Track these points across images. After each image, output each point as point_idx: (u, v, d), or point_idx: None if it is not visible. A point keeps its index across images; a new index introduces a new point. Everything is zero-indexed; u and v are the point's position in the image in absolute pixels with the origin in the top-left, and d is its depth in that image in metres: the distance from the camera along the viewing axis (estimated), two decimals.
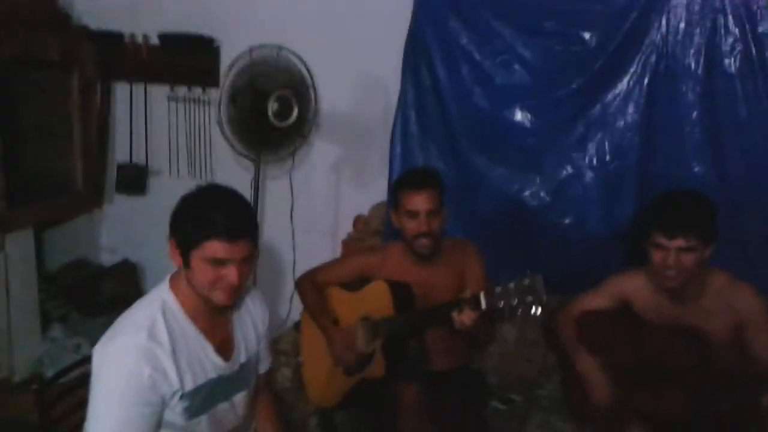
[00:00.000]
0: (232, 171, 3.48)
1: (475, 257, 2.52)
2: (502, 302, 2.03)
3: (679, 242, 2.14)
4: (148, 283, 3.82)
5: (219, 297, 1.67)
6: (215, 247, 1.61)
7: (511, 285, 2.02)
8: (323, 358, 2.53)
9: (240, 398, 1.83)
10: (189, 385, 1.65)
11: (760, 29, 2.69)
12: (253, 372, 1.90)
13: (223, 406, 1.78)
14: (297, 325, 2.81)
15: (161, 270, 3.52)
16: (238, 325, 1.84)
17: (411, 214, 2.37)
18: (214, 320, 1.75)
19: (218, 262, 1.62)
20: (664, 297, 2.29)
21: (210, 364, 1.72)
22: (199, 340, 1.70)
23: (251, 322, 1.89)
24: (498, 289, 2.04)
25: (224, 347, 1.77)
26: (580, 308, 2.42)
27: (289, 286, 3.22)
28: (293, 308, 3.34)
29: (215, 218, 1.61)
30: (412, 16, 3.12)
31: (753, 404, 2.11)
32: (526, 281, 2.01)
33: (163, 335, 1.63)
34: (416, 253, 2.44)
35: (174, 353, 1.63)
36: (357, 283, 2.56)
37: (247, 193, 3.22)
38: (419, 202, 2.36)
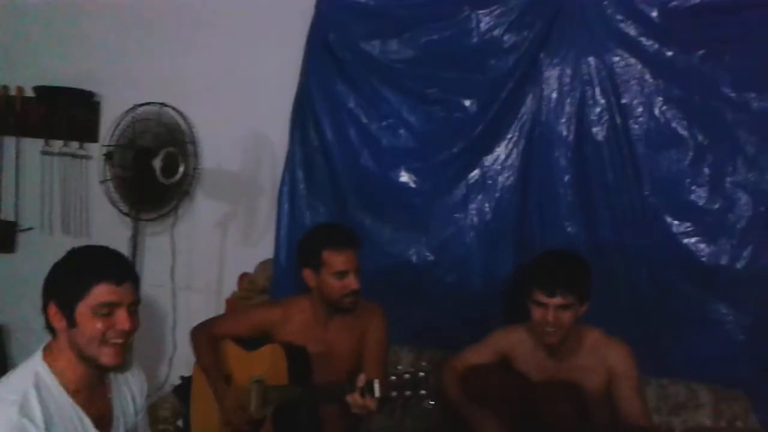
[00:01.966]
0: (110, 227, 3.35)
1: (381, 320, 2.53)
2: (396, 392, 2.05)
3: (558, 300, 2.25)
4: (16, 347, 3.59)
5: (108, 354, 1.61)
6: (103, 291, 1.58)
7: (407, 376, 2.04)
8: (212, 417, 2.44)
9: None
10: None
11: (624, 100, 2.91)
12: None
13: None
14: (177, 390, 2.70)
15: (30, 332, 3.33)
16: (117, 397, 1.77)
17: (341, 273, 2.38)
18: (93, 393, 1.68)
19: (107, 309, 1.58)
20: (542, 352, 2.39)
21: None
22: (76, 414, 1.62)
23: (130, 395, 1.82)
24: (393, 378, 2.06)
25: (102, 421, 1.69)
26: (464, 363, 2.48)
27: (169, 347, 3.13)
28: (172, 371, 3.22)
29: (98, 264, 1.60)
30: (300, 78, 3.18)
31: None
32: (422, 373, 2.04)
33: (36, 411, 1.54)
34: (329, 308, 2.43)
35: (48, 428, 1.54)
36: (253, 341, 2.50)
37: (125, 250, 3.16)
38: (348, 261, 2.38)
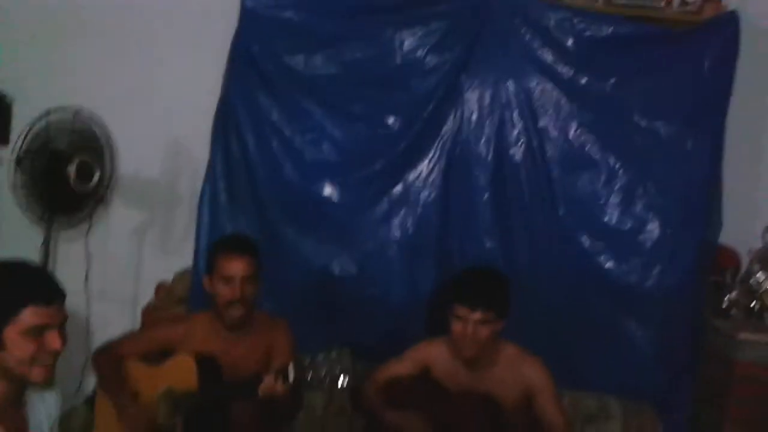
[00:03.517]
0: (19, 234, 3.18)
1: (286, 336, 2.51)
2: (310, 374, 2.06)
3: (478, 315, 2.32)
4: None
5: (39, 374, 1.56)
6: (33, 314, 1.51)
7: (320, 357, 2.06)
8: None
9: None
10: None
11: (540, 124, 3.03)
12: None
13: None
14: (88, 401, 2.61)
15: None
16: (32, 415, 1.70)
17: (226, 279, 2.34)
18: (8, 409, 1.61)
19: (38, 331, 1.52)
20: (460, 365, 2.44)
21: None
22: None
23: (45, 412, 1.75)
24: (306, 361, 2.06)
25: None
26: (385, 375, 2.51)
27: (81, 357, 3.00)
28: (85, 382, 3.10)
29: (25, 285, 1.53)
30: (222, 89, 3.15)
31: None
32: (334, 354, 2.06)
33: None
34: (226, 325, 2.39)
35: None
36: (158, 357, 2.44)
37: (36, 258, 3.04)
38: (236, 267, 2.34)
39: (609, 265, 2.97)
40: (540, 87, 3.03)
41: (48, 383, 1.65)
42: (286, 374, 2.08)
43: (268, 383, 2.10)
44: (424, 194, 3.07)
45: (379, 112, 3.09)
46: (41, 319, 1.53)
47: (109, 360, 2.45)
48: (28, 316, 1.52)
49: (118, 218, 3.30)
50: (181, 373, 2.32)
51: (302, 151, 3.10)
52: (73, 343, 3.14)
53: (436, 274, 3.02)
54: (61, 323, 1.58)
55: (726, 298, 2.97)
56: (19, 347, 1.52)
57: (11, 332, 1.52)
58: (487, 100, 3.06)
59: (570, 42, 3.00)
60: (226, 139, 3.14)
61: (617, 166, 3.00)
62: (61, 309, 1.59)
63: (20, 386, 1.62)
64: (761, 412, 2.71)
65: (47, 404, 1.76)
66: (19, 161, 2.92)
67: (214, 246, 2.50)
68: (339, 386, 2.05)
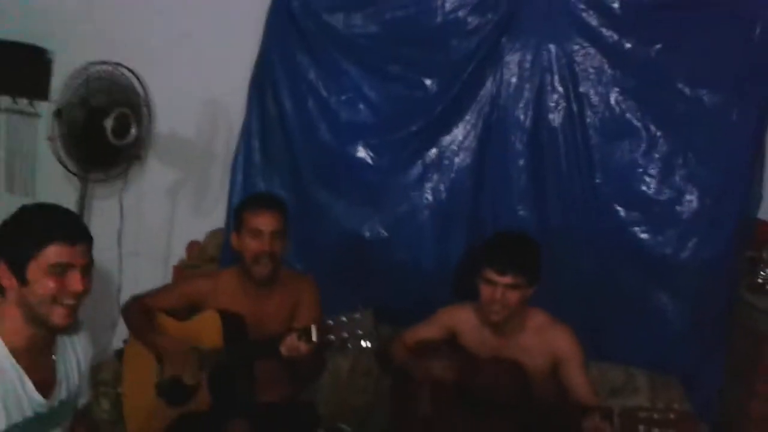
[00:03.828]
0: (57, 188, 3.26)
1: (312, 292, 2.52)
2: (333, 336, 2.06)
3: (508, 279, 2.29)
4: None
5: (59, 315, 1.58)
6: (56, 252, 1.54)
7: (343, 318, 2.06)
8: (146, 390, 2.40)
9: None
10: (1, 424, 1.53)
11: (581, 89, 2.95)
12: (71, 409, 1.79)
13: None
14: (118, 354, 2.66)
15: None
16: (62, 361, 1.73)
17: (255, 233, 2.35)
18: (37, 356, 1.64)
19: (61, 269, 1.55)
20: (487, 331, 2.43)
21: (27, 401, 1.60)
22: (17, 376, 1.58)
23: (75, 359, 1.78)
24: (329, 323, 2.07)
25: (45, 384, 1.65)
26: (413, 338, 2.51)
27: (113, 312, 3.07)
28: (116, 336, 3.16)
29: (52, 223, 1.56)
30: (260, 47, 3.14)
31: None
32: (357, 315, 2.06)
33: None
34: (253, 281, 2.41)
35: None
36: (187, 313, 2.47)
37: None
38: (264, 221, 2.35)
39: (644, 235, 2.91)
40: (582, 51, 2.96)
41: (69, 327, 1.66)
42: (309, 334, 2.09)
43: (291, 342, 2.11)
44: (458, 159, 3.03)
45: (417, 74, 3.05)
46: (64, 257, 1.56)
47: (140, 309, 2.48)
48: (52, 252, 1.55)
49: (153, 176, 3.34)
50: (207, 329, 2.35)
51: (338, 111, 3.08)
52: (104, 298, 3.26)
53: (467, 240, 2.99)
54: (84, 266, 1.60)
55: (762, 274, 2.89)
56: (41, 284, 1.55)
57: (34, 268, 1.54)
58: (527, 63, 2.99)
59: (615, 5, 2.92)
60: (262, 98, 3.13)
61: (658, 134, 2.92)
62: (86, 253, 1.61)
63: (48, 333, 1.65)
64: None
65: (77, 352, 1.79)
66: (57, 114, 2.96)
67: (241, 203, 2.51)
68: (362, 347, 2.05)
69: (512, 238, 2.46)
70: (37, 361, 1.64)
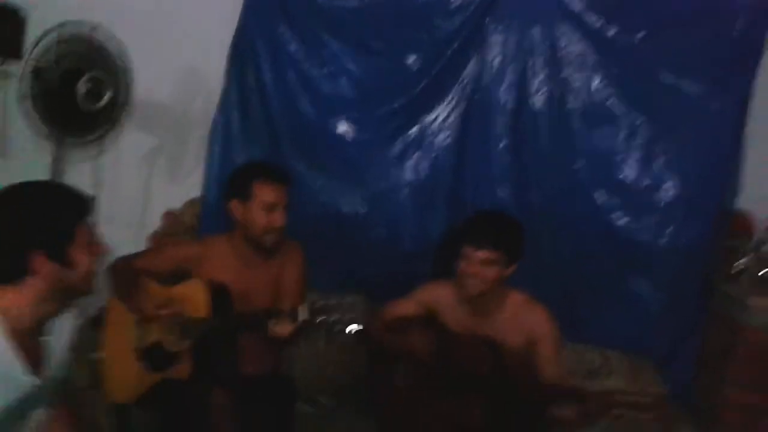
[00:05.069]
0: (30, 152, 3.14)
1: (298, 258, 2.53)
2: (321, 317, 2.05)
3: (484, 253, 2.29)
4: None
5: (93, 284, 1.63)
6: (85, 231, 1.59)
7: (333, 301, 2.06)
8: (126, 352, 2.37)
9: (42, 412, 1.69)
10: None
11: (564, 74, 2.96)
12: (58, 383, 1.75)
13: (29, 422, 1.64)
14: (93, 321, 2.60)
15: None
16: (54, 340, 1.69)
17: (269, 206, 2.34)
18: (31, 337, 1.60)
19: (91, 244, 1.60)
20: (466, 308, 2.43)
21: (20, 382, 1.55)
22: (11, 359, 1.52)
23: (64, 336, 1.74)
24: (320, 304, 2.06)
25: (35, 363, 1.60)
26: (391, 314, 2.50)
27: None
28: (89, 302, 3.09)
29: (76, 205, 1.61)
30: (240, 16, 3.07)
31: (542, 413, 2.29)
32: (348, 299, 2.05)
33: None
34: (250, 246, 2.40)
35: None
36: (172, 277, 2.43)
37: (45, 176, 3.01)
38: (279, 195, 2.36)
39: (622, 221, 2.95)
40: (566, 36, 2.97)
41: None
42: (296, 315, 2.07)
43: (277, 329, 2.10)
44: (440, 138, 3.02)
45: (400, 50, 3.02)
46: (92, 233, 1.60)
47: (126, 270, 2.43)
48: (84, 232, 1.56)
49: (129, 143, 3.24)
50: (193, 298, 2.32)
51: (319, 84, 3.05)
52: None
53: (447, 220, 3.00)
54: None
55: (737, 264, 2.94)
56: (83, 262, 1.56)
57: (75, 251, 1.54)
58: (511, 45, 2.99)
59: None
60: (242, 69, 3.08)
61: (638, 122, 2.95)
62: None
63: (59, 310, 1.63)
64: (762, 377, 2.72)
65: (65, 327, 1.75)
66: (35, 73, 2.87)
67: (248, 172, 2.45)
68: (348, 331, 2.05)
69: (492, 215, 2.49)
70: (30, 342, 1.59)
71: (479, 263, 2.30)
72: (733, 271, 2.93)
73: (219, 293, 2.33)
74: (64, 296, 1.59)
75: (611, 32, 2.95)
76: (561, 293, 2.92)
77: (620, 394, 2.06)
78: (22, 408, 1.58)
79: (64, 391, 1.86)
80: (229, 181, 2.49)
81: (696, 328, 2.94)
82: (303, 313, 2.08)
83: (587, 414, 2.11)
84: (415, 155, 3.03)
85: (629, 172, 2.95)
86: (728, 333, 2.78)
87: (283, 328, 2.12)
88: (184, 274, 2.43)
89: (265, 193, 2.35)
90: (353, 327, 2.07)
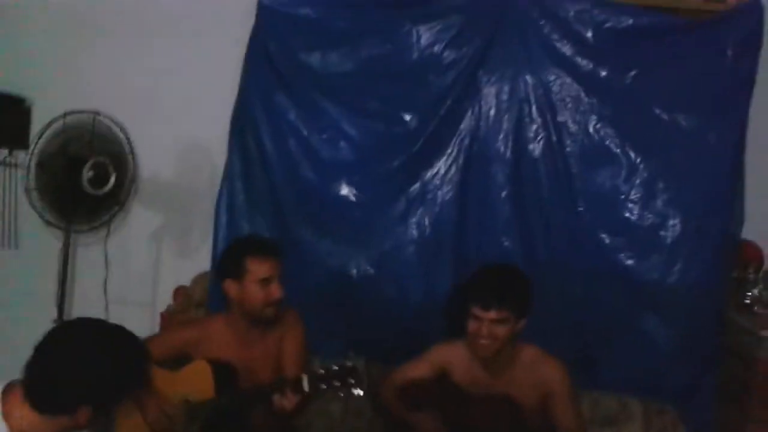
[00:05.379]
0: (40, 239, 3.24)
1: (297, 326, 2.54)
2: (325, 385, 2.06)
3: (493, 314, 2.28)
4: None
5: None
6: None
7: (335, 367, 2.06)
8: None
9: None
10: None
11: (559, 118, 2.98)
12: None
13: None
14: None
15: None
16: None
17: (265, 281, 2.35)
18: None
19: None
20: (479, 367, 2.42)
21: None
22: None
23: None
24: (321, 372, 2.07)
25: None
26: (403, 377, 2.49)
27: None
28: None
29: None
30: (239, 88, 3.14)
31: None
32: (349, 363, 2.05)
33: None
34: (248, 323, 2.41)
35: None
36: (175, 362, 2.44)
37: (55, 263, 3.06)
38: (273, 268, 2.37)
39: (630, 261, 2.92)
40: (559, 81, 2.98)
41: None
42: (301, 384, 2.08)
43: (281, 402, 2.11)
44: (441, 192, 3.03)
45: (396, 109, 3.05)
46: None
47: None
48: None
49: (137, 222, 3.32)
50: (197, 379, 2.33)
51: (319, 150, 3.08)
52: None
53: (453, 274, 2.98)
54: None
55: (748, 294, 2.91)
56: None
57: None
58: (505, 95, 3.01)
59: (589, 34, 2.95)
60: (244, 140, 3.13)
61: (638, 160, 2.94)
62: None
63: None
64: None
65: None
66: (39, 166, 2.95)
67: (239, 249, 2.46)
68: (354, 395, 2.05)
69: (495, 271, 2.46)
70: None
71: (489, 323, 2.29)
72: (744, 302, 2.90)
73: (223, 372, 2.34)
74: None
75: (603, 73, 2.97)
76: (574, 340, 2.89)
77: None
78: None
79: None
80: (221, 261, 2.51)
81: (712, 363, 2.88)
82: (306, 383, 2.08)
83: None
84: (419, 212, 3.03)
85: (633, 211, 2.93)
86: (744, 367, 2.73)
87: (288, 401, 2.11)
88: (187, 357, 2.45)
89: (258, 269, 2.37)
90: (357, 391, 2.06)
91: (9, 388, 1.58)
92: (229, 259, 2.45)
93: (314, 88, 3.09)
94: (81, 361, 1.54)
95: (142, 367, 1.63)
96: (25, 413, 1.54)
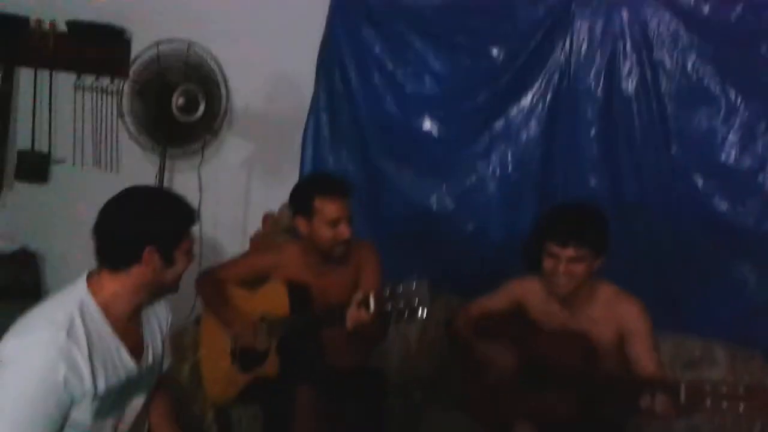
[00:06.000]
0: (139, 163, 3.41)
1: (373, 259, 2.56)
2: (390, 304, 2.09)
3: (570, 252, 2.24)
4: (48, 273, 3.65)
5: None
6: (189, 236, 1.75)
7: (400, 289, 2.08)
8: (221, 355, 2.51)
9: (140, 398, 1.82)
10: (101, 388, 1.62)
11: (655, 56, 2.86)
12: (156, 373, 1.90)
13: (128, 406, 1.78)
14: (198, 321, 2.78)
15: (61, 259, 3.38)
16: (147, 327, 1.83)
17: (333, 222, 2.39)
18: (129, 324, 1.74)
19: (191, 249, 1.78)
20: (554, 303, 2.39)
21: (122, 366, 1.70)
22: (114, 342, 1.68)
23: (157, 325, 1.89)
24: (387, 292, 2.10)
25: (135, 349, 1.75)
26: (479, 309, 2.50)
27: (193, 281, 3.19)
28: (197, 304, 3.29)
29: (182, 213, 1.74)
30: (326, 21, 3.18)
31: (633, 406, 2.23)
32: (414, 285, 2.07)
33: (81, 335, 1.59)
34: (321, 256, 2.46)
35: (90, 354, 1.60)
36: (255, 282, 2.55)
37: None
38: (341, 209, 2.39)
39: (724, 206, 2.81)
40: (657, 16, 2.86)
41: None
42: (368, 303, 2.14)
43: (352, 314, 2.16)
44: (526, 129, 3.00)
45: (483, 44, 3.02)
46: (193, 241, 1.76)
47: (212, 282, 2.58)
48: (189, 239, 1.73)
49: (229, 151, 3.44)
50: (275, 299, 2.43)
51: (404, 84, 3.09)
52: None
53: (535, 212, 2.93)
54: None
55: None
56: (180, 265, 1.72)
57: (179, 252, 1.70)
58: (598, 29, 2.93)
59: None
60: (330, 73, 3.18)
61: (738, 101, 2.80)
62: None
63: (148, 302, 1.80)
64: None
65: (159, 318, 1.90)
66: (137, 91, 3.07)
67: (308, 189, 2.46)
68: (418, 317, 2.08)
69: (573, 209, 2.39)
70: (129, 329, 1.74)
71: (566, 261, 2.26)
72: None
73: (298, 293, 2.42)
74: (155, 290, 1.74)
75: (705, 9, 2.82)
76: (659, 281, 2.83)
77: (712, 384, 1.95)
78: (122, 392, 1.71)
79: (164, 383, 2.00)
80: (292, 197, 2.52)
81: None
82: (372, 301, 2.13)
83: (682, 406, 2.03)
84: (502, 148, 3.02)
85: (729, 154, 2.81)
86: None
87: (359, 318, 2.16)
88: (266, 278, 2.54)
89: (327, 209, 2.39)
90: (421, 312, 2.09)
91: (90, 274, 1.71)
92: (299, 198, 2.48)
93: (401, 22, 3.09)
94: (132, 206, 1.68)
95: (189, 207, 1.73)
96: (105, 283, 1.67)
